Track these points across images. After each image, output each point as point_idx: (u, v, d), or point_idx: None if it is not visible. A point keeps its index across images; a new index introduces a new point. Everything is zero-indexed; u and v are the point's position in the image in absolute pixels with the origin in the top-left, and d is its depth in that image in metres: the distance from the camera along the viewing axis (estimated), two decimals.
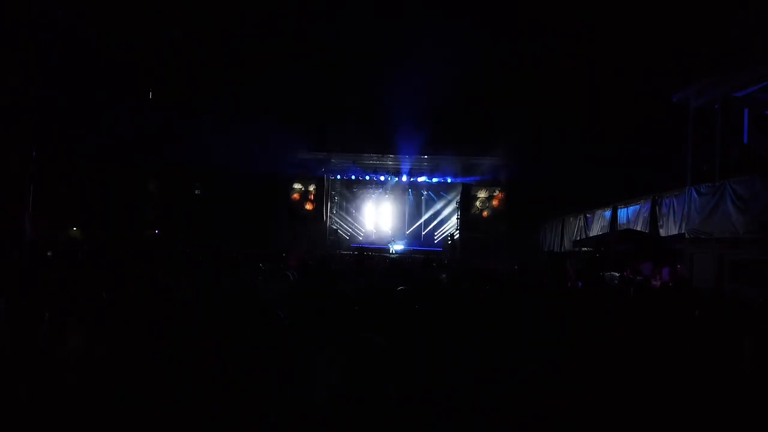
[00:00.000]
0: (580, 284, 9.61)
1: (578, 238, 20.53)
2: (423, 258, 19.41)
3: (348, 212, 32.92)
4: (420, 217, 32.76)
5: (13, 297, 4.11)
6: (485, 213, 30.14)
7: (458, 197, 30.27)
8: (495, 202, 30.01)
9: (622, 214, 18.44)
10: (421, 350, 3.66)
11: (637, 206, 17.49)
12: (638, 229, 16.70)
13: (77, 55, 19.46)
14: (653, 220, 16.18)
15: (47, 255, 9.42)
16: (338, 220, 32.38)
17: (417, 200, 32.89)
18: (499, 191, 29.86)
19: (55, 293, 5.69)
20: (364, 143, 28.88)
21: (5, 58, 5.32)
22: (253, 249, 19.88)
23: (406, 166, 30.04)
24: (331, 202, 31.72)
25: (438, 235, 32.26)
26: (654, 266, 12.56)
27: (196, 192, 30.80)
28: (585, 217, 21.27)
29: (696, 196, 11.98)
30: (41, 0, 5.50)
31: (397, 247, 30.35)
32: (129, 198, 29.27)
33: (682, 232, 13.37)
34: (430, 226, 32.53)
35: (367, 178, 31.18)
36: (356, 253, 23.56)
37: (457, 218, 30.05)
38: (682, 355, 3.46)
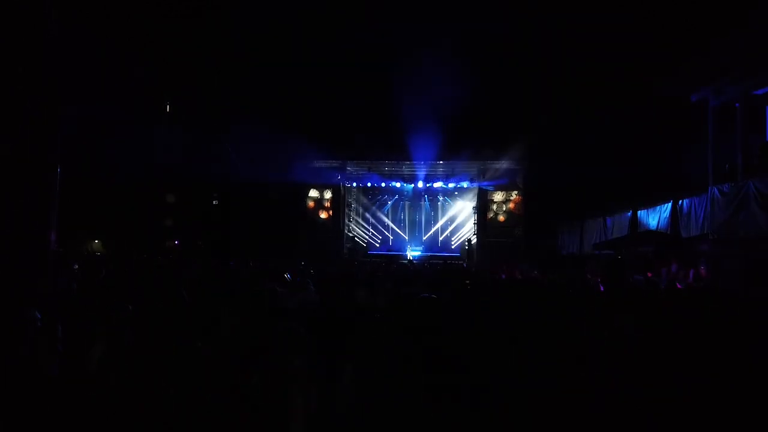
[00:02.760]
0: (602, 288, 9.49)
1: (598, 241, 20.31)
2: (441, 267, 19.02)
3: (365, 219, 32.94)
4: (436, 222, 32.74)
5: (41, 308, 4.22)
6: (502, 217, 29.95)
7: (475, 202, 30.15)
8: (512, 206, 29.83)
9: (643, 215, 18.22)
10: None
11: (658, 207, 17.27)
12: (659, 230, 16.47)
13: (98, 71, 19.84)
14: (674, 222, 15.96)
15: (73, 267, 9.61)
16: (355, 228, 32.42)
17: (433, 206, 32.86)
18: (516, 195, 29.67)
19: (81, 305, 5.79)
20: (380, 150, 28.89)
21: (30, 74, 5.45)
22: (270, 258, 19.96)
23: (421, 171, 30.00)
24: (348, 210, 31.78)
25: (455, 240, 32.16)
26: (679, 268, 12.36)
27: (214, 202, 31.08)
28: (604, 219, 21.04)
29: (719, 196, 11.80)
30: (64, 19, 5.62)
31: (414, 253, 30.30)
32: (149, 210, 29.68)
33: (705, 233, 13.15)
34: (447, 231, 32.47)
35: (383, 185, 31.20)
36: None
37: (474, 223, 29.92)
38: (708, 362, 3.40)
